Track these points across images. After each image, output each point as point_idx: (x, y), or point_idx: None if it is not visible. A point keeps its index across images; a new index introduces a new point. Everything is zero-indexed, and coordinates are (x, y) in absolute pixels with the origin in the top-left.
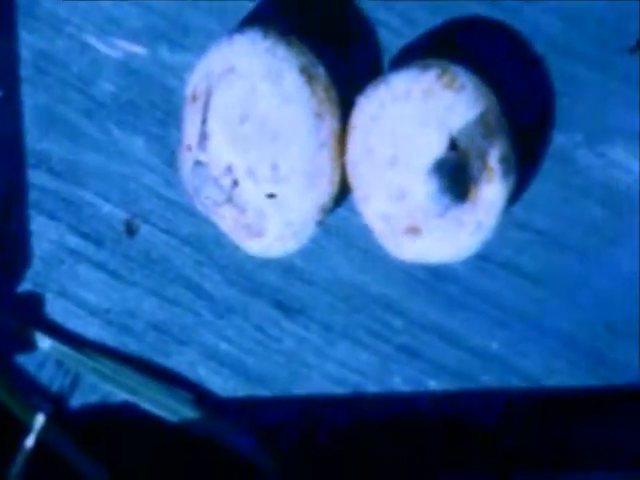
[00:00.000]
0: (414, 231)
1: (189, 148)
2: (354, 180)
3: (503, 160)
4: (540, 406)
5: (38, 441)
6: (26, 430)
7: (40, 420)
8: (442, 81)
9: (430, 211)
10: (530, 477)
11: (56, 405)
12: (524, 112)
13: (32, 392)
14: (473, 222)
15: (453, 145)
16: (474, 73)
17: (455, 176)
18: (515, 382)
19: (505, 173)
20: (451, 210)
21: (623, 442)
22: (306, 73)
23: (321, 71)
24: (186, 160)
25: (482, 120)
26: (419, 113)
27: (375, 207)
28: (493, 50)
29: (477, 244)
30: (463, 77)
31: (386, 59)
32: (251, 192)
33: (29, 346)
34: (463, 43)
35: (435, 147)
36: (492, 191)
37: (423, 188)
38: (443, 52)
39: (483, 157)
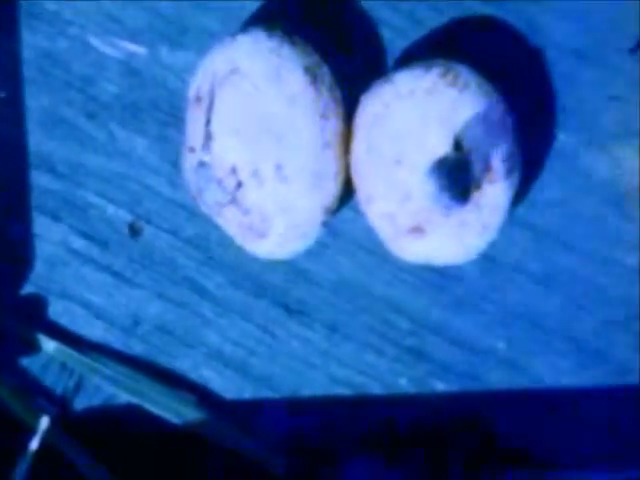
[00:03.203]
0: (418, 231)
1: (192, 149)
2: (358, 180)
3: (507, 159)
4: (546, 406)
5: (42, 443)
6: (30, 432)
7: (45, 422)
8: (445, 80)
9: (432, 211)
10: (537, 476)
11: (61, 407)
12: (526, 111)
13: (36, 394)
14: (478, 223)
15: (457, 144)
16: (477, 72)
17: (455, 175)
18: (522, 382)
19: (509, 172)
20: (453, 210)
21: (627, 441)
22: (310, 73)
23: (325, 71)
24: (189, 161)
25: (485, 119)
26: (422, 112)
27: (379, 207)
28: (497, 49)
29: (482, 245)
30: (466, 76)
31: (390, 59)
32: (255, 193)
33: (33, 348)
34: (467, 43)
35: (439, 146)
36: (496, 191)
37: (422, 187)
38: (448, 52)
39: (486, 156)
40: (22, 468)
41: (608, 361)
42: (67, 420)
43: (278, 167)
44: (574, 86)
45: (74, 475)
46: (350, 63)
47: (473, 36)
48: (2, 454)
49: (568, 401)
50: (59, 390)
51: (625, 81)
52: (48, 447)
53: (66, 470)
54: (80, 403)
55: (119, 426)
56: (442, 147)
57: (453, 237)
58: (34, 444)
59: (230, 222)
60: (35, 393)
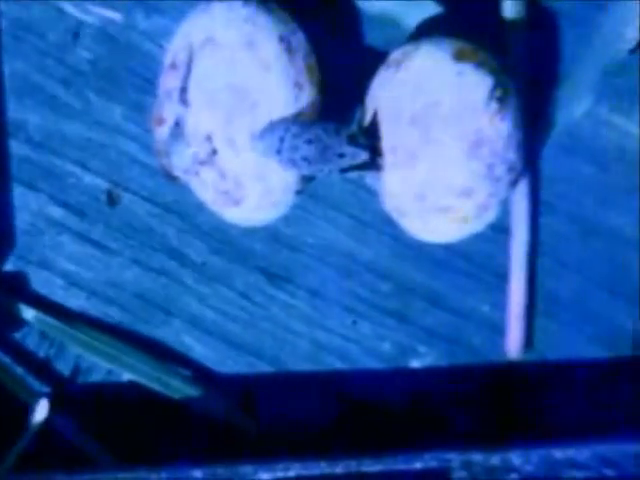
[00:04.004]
0: (446, 210)
1: (166, 116)
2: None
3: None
4: (536, 370)
5: (39, 421)
6: (27, 411)
7: (41, 400)
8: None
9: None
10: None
11: (55, 385)
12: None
13: (30, 371)
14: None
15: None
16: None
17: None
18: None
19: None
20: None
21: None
22: (285, 41)
23: (301, 39)
24: (162, 128)
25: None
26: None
27: (412, 180)
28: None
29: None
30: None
31: (368, 26)
32: (230, 161)
33: (14, 319)
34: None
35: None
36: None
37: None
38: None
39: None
40: (20, 446)
41: (603, 326)
42: (62, 397)
43: (253, 135)
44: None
45: (71, 451)
46: (326, 30)
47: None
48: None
49: (560, 367)
50: (40, 359)
51: None
52: (45, 425)
53: (64, 447)
54: (71, 379)
55: (100, 396)
56: None
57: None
58: (32, 422)
59: (206, 187)
60: (29, 370)
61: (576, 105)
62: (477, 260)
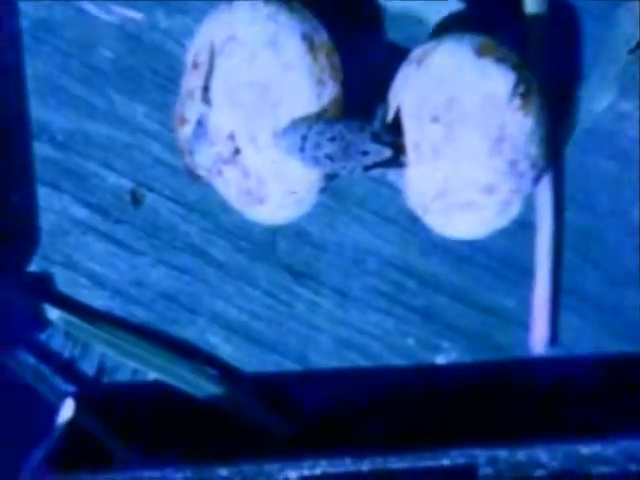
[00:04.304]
0: (470, 207)
1: (189, 116)
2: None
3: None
4: (561, 365)
5: (65, 421)
6: (53, 411)
7: (66, 400)
8: None
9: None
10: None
11: (80, 384)
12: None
13: (55, 371)
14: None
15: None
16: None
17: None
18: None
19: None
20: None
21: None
22: (308, 40)
23: (323, 37)
24: (185, 127)
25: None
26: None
27: (435, 177)
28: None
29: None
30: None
31: (390, 24)
32: (253, 160)
33: (40, 320)
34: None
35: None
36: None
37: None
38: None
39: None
40: (46, 446)
41: (623, 319)
42: (88, 396)
43: (276, 134)
44: None
45: (97, 450)
46: (349, 28)
47: None
48: (26, 434)
49: (584, 362)
50: (65, 359)
51: None
52: (72, 424)
53: (90, 446)
54: (97, 379)
55: (127, 396)
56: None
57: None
58: (58, 423)
59: (229, 186)
60: (50, 368)
61: (597, 100)
62: (501, 256)
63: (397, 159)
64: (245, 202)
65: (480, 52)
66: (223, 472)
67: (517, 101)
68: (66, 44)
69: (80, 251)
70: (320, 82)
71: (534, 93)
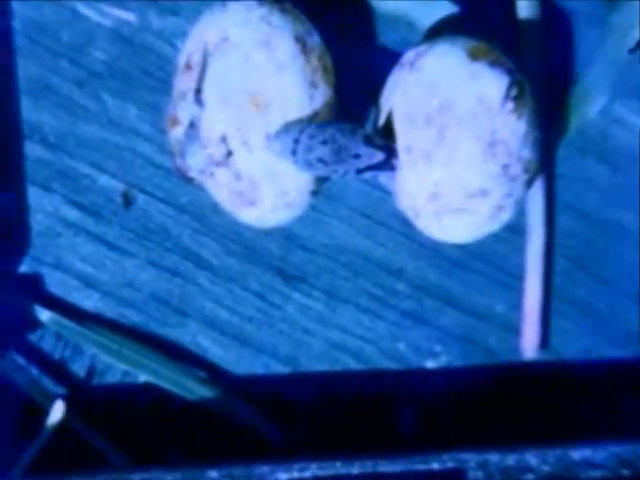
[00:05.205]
0: (462, 212)
1: (181, 117)
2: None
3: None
4: (549, 369)
5: (55, 423)
6: (42, 412)
7: (56, 402)
8: None
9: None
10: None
11: (70, 386)
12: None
13: (45, 373)
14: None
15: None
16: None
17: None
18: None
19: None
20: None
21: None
22: (300, 42)
23: (316, 39)
24: (177, 129)
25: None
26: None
27: (427, 180)
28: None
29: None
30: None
31: (382, 25)
32: (245, 162)
33: (30, 321)
34: None
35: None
36: None
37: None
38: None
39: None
40: (35, 448)
41: (614, 325)
42: (79, 398)
43: (267, 136)
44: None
45: (87, 452)
46: (341, 31)
47: None
48: (16, 435)
49: (575, 366)
50: (55, 360)
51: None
52: (61, 426)
53: (79, 448)
54: (89, 381)
55: (116, 399)
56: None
57: (484, 218)
58: (47, 425)
59: (220, 188)
60: (40, 370)
61: (590, 104)
62: (493, 260)
63: (389, 162)
64: (237, 204)
65: (473, 55)
66: (213, 474)
67: (510, 104)
68: (58, 45)
69: (71, 252)
70: (312, 84)
71: (527, 97)
